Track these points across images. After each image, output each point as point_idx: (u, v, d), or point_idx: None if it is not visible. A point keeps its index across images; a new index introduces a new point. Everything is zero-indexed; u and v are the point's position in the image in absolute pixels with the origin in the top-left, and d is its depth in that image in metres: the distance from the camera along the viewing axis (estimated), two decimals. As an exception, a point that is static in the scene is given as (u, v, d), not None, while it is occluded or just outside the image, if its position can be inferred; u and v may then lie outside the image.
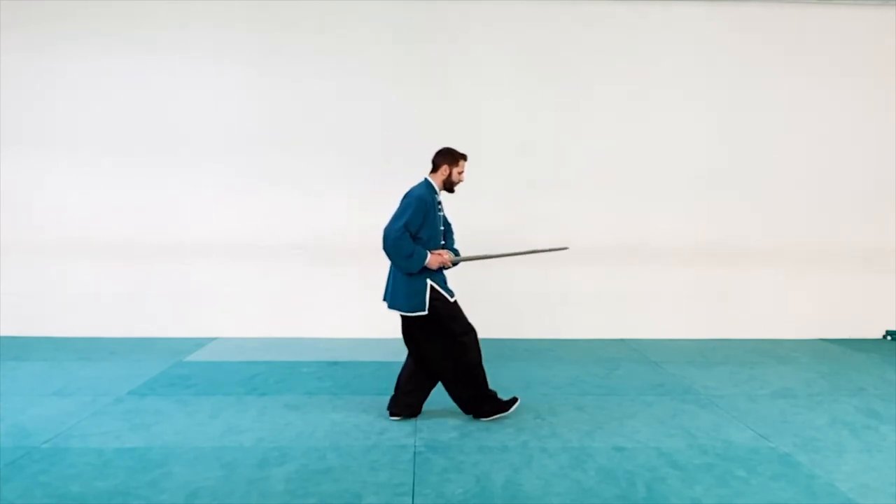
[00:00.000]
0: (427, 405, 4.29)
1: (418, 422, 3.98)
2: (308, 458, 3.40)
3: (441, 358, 3.91)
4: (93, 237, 6.23)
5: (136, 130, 6.23)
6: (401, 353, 5.73)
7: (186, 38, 6.23)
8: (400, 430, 3.84)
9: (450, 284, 4.00)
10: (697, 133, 6.49)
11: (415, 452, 3.50)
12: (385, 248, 3.85)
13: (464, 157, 4.05)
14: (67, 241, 6.22)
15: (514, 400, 4.05)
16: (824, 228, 6.57)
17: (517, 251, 4.18)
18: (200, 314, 6.31)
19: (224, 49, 6.25)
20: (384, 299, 4.08)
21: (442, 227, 4.02)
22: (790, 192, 6.55)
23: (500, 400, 4.01)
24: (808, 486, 3.17)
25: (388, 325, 6.37)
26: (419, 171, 6.24)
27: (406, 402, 4.04)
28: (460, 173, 4.04)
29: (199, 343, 6.00)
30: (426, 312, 3.84)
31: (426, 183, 4.01)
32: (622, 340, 6.36)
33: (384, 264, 6.33)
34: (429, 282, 3.87)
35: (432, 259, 3.85)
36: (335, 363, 5.38)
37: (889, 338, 6.64)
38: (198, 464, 3.32)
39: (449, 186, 4.04)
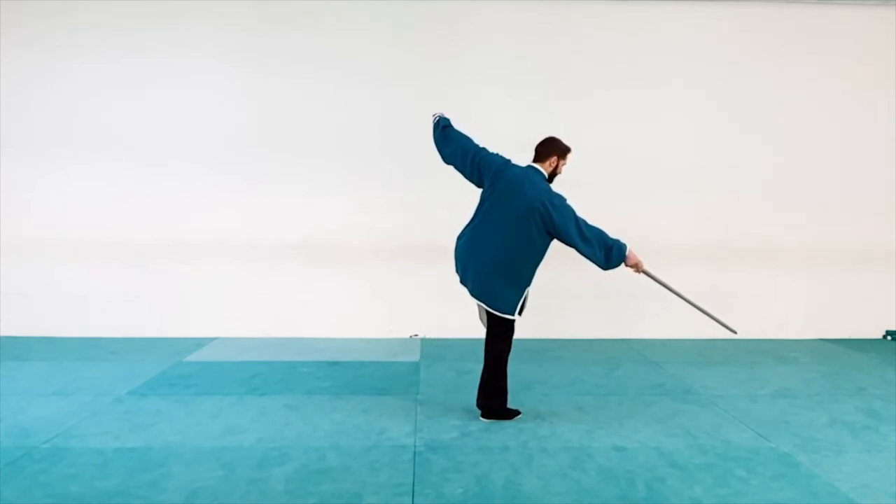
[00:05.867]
0: (426, 405, 4.31)
1: (418, 422, 3.98)
2: (308, 458, 3.40)
3: (498, 350, 3.97)
4: (92, 237, 6.23)
5: (136, 130, 6.23)
6: (400, 354, 5.78)
7: (186, 38, 6.22)
8: (400, 430, 3.84)
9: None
10: (697, 133, 6.49)
11: (415, 452, 3.50)
12: (598, 247, 3.81)
13: (570, 149, 4.04)
14: (67, 241, 6.22)
15: (518, 412, 4.07)
16: (824, 228, 6.57)
17: (695, 303, 4.13)
18: (200, 314, 6.31)
19: (223, 49, 6.25)
20: (465, 283, 3.99)
21: None
22: (790, 192, 6.54)
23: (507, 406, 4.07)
24: (808, 486, 3.17)
25: (388, 325, 6.43)
26: (419, 170, 6.29)
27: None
28: (564, 166, 4.04)
29: (199, 343, 5.99)
30: (513, 317, 3.90)
31: (542, 174, 3.96)
32: (622, 340, 6.35)
33: (383, 264, 6.37)
34: (527, 291, 3.90)
35: (632, 255, 3.86)
36: (335, 363, 5.38)
37: (889, 338, 6.63)
38: (198, 464, 3.31)
39: (551, 179, 4.02)
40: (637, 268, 3.93)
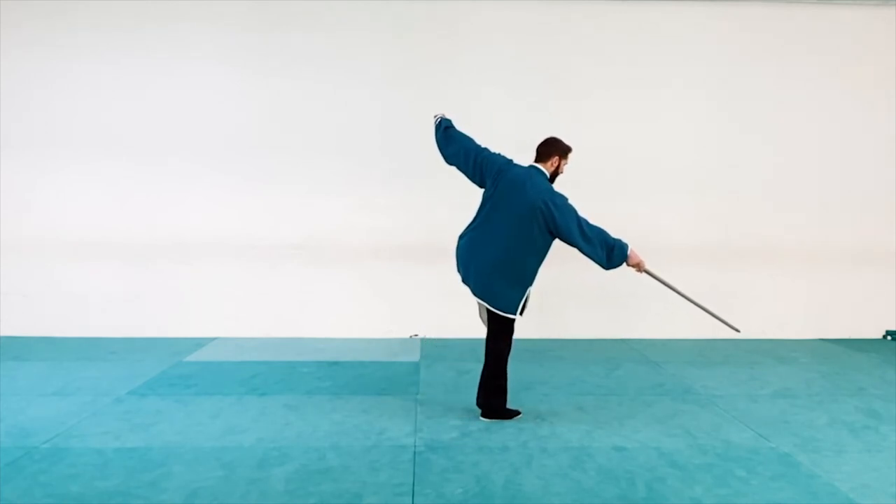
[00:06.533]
0: (426, 405, 4.31)
1: (418, 422, 3.98)
2: (308, 458, 3.40)
3: (499, 350, 3.97)
4: (92, 237, 6.23)
5: (136, 130, 6.23)
6: (401, 354, 5.78)
7: (186, 38, 6.22)
8: (400, 430, 3.84)
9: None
10: (697, 133, 6.49)
11: (415, 452, 3.50)
12: (599, 247, 3.80)
13: (571, 149, 4.04)
14: (67, 241, 6.22)
15: (518, 412, 4.07)
16: (824, 228, 6.56)
17: (697, 302, 4.11)
18: (200, 314, 6.31)
19: (223, 49, 6.25)
20: (467, 283, 3.99)
21: None
22: (790, 192, 6.54)
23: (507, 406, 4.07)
24: (808, 486, 3.17)
25: (388, 325, 6.43)
26: (419, 170, 6.29)
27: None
28: (566, 165, 4.04)
29: (199, 343, 5.99)
30: (514, 317, 3.89)
31: (543, 174, 3.96)
32: (622, 340, 6.35)
33: (383, 264, 6.37)
34: (529, 291, 3.89)
35: (633, 255, 3.86)
36: (335, 363, 5.38)
37: (889, 338, 6.63)
38: (198, 464, 3.31)
39: (553, 178, 4.01)
40: (639, 267, 3.93)
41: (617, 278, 6.26)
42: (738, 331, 4.24)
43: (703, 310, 4.17)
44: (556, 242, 3.92)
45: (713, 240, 6.51)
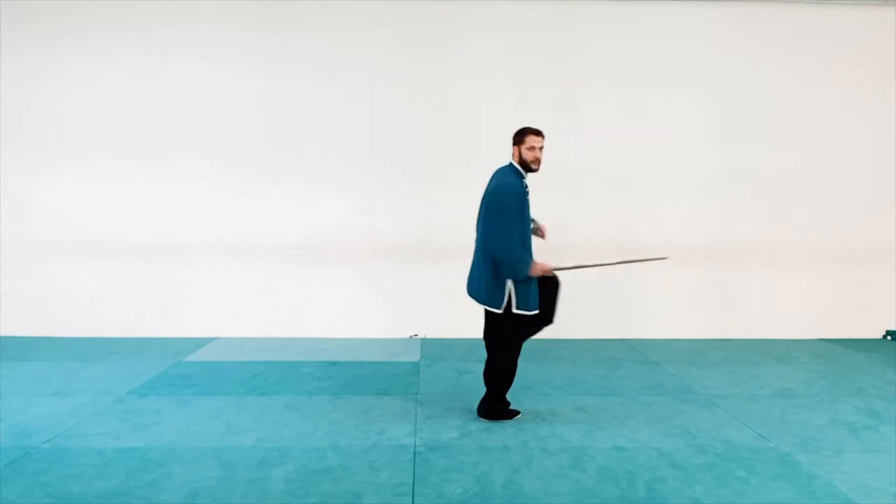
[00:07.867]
0: (426, 405, 4.31)
1: (418, 422, 3.98)
2: (308, 458, 3.40)
3: (499, 354, 3.96)
4: (92, 237, 6.23)
5: (136, 130, 6.22)
6: (401, 354, 5.78)
7: (186, 37, 6.22)
8: (400, 430, 3.84)
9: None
10: (697, 133, 6.49)
11: (415, 452, 3.50)
12: (498, 257, 3.78)
13: (533, 131, 3.89)
14: (67, 241, 6.22)
15: (517, 412, 4.07)
16: (824, 228, 6.57)
17: (614, 261, 4.04)
18: (200, 314, 6.31)
19: (223, 48, 6.24)
20: (468, 290, 4.03)
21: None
22: (790, 192, 6.54)
23: (508, 408, 4.06)
24: (808, 486, 3.17)
25: (388, 325, 6.43)
26: (419, 170, 6.30)
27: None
28: (530, 149, 3.87)
29: (199, 343, 5.99)
30: (500, 311, 3.85)
31: (510, 167, 3.93)
32: (622, 340, 6.35)
33: (383, 264, 6.38)
34: (509, 284, 3.82)
35: (535, 268, 3.81)
36: (335, 363, 5.38)
37: (889, 338, 6.63)
38: (198, 464, 3.32)
39: (525, 166, 3.91)
40: (545, 272, 3.87)
41: (617, 278, 6.28)
42: (665, 258, 4.23)
43: (623, 263, 4.13)
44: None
45: (713, 239, 6.51)
